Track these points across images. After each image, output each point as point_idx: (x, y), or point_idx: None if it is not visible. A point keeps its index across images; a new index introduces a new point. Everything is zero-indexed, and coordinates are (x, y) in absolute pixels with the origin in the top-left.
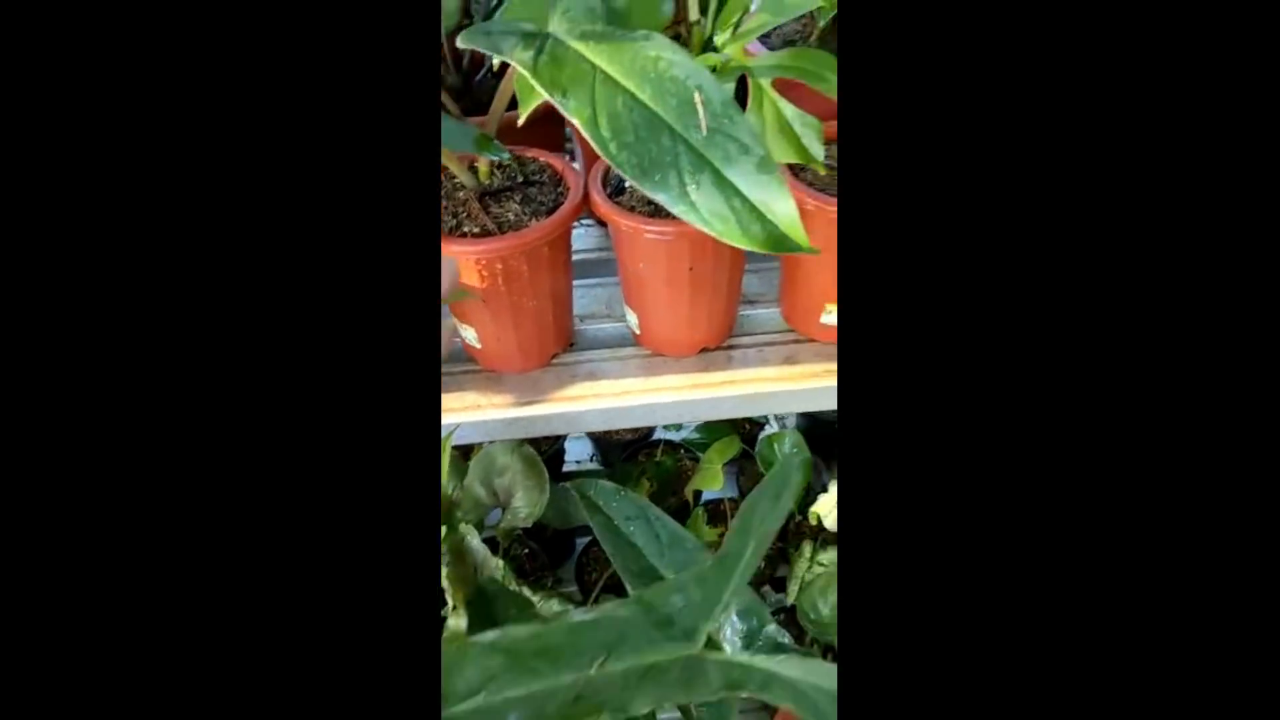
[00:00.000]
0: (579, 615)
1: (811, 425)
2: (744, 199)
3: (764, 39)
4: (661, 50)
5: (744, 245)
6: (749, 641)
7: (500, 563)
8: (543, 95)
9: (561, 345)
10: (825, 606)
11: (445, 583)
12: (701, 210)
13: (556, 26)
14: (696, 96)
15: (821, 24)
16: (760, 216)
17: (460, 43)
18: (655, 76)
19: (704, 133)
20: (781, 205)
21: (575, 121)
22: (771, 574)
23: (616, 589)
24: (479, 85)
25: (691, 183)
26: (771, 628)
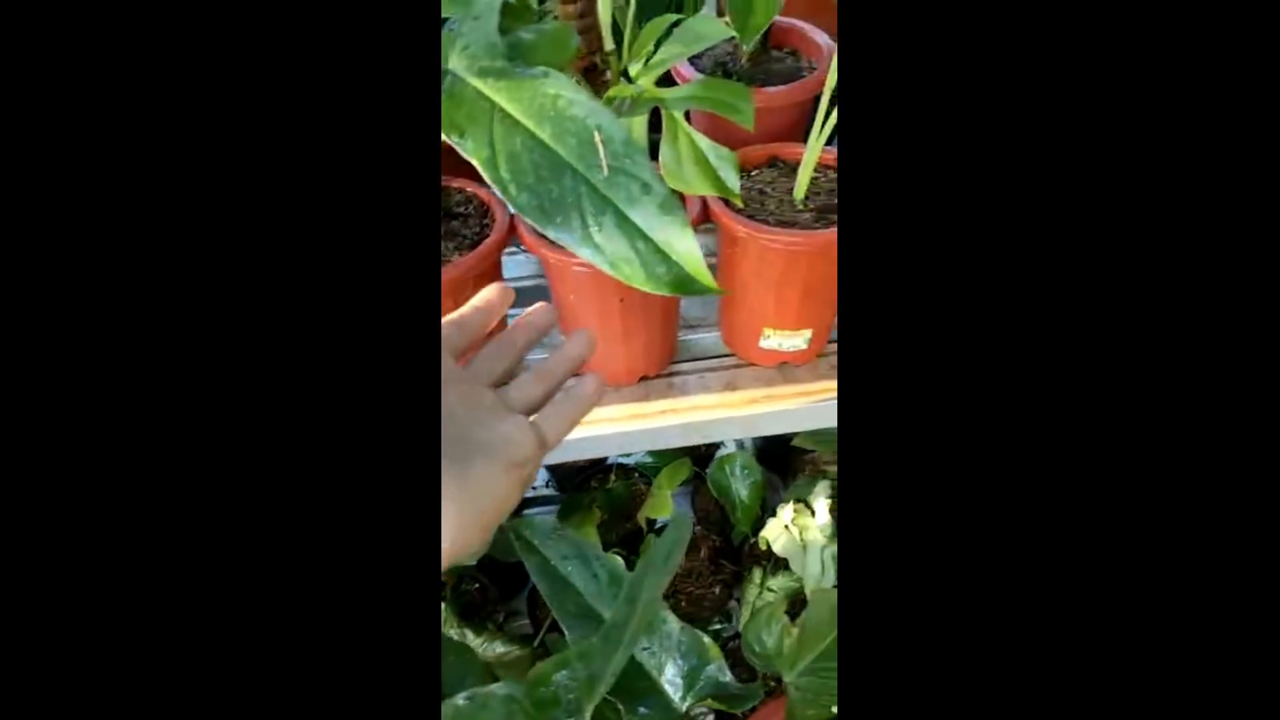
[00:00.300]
0: (461, 699)
1: (767, 443)
2: (648, 240)
3: (695, 61)
4: (560, 88)
5: (649, 288)
6: (690, 683)
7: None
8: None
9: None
10: (770, 637)
11: None
12: (605, 252)
13: (456, 63)
14: (597, 136)
15: (746, 47)
16: (665, 258)
17: None
18: (555, 115)
19: (605, 173)
20: (684, 245)
21: (474, 162)
22: (727, 597)
23: None
24: None
25: (594, 224)
26: (713, 667)
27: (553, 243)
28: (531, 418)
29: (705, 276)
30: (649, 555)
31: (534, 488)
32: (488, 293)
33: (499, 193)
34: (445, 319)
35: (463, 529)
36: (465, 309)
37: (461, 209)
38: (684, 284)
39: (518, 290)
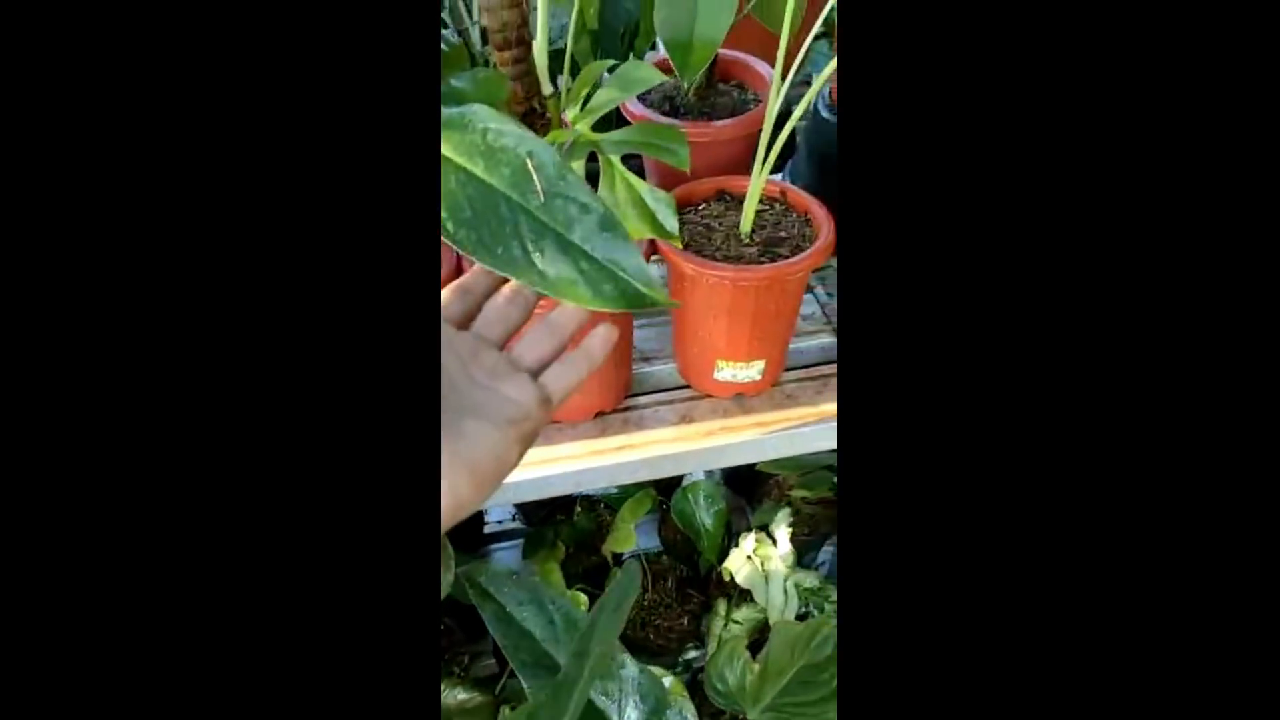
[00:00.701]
0: None
1: (733, 469)
2: (591, 259)
3: (642, 96)
4: (488, 121)
5: (598, 307)
6: None
7: None
8: None
9: None
10: (733, 675)
11: None
12: (549, 277)
13: None
14: (529, 162)
15: (686, 84)
16: (611, 275)
17: None
18: (485, 149)
19: (541, 198)
20: (630, 260)
21: None
22: (696, 627)
23: None
24: None
25: (535, 250)
26: (672, 711)
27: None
28: (540, 377)
29: (657, 291)
30: (600, 606)
31: (498, 522)
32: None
33: (443, 233)
34: (449, 286)
35: (454, 490)
36: (469, 274)
37: None
38: (635, 299)
39: None
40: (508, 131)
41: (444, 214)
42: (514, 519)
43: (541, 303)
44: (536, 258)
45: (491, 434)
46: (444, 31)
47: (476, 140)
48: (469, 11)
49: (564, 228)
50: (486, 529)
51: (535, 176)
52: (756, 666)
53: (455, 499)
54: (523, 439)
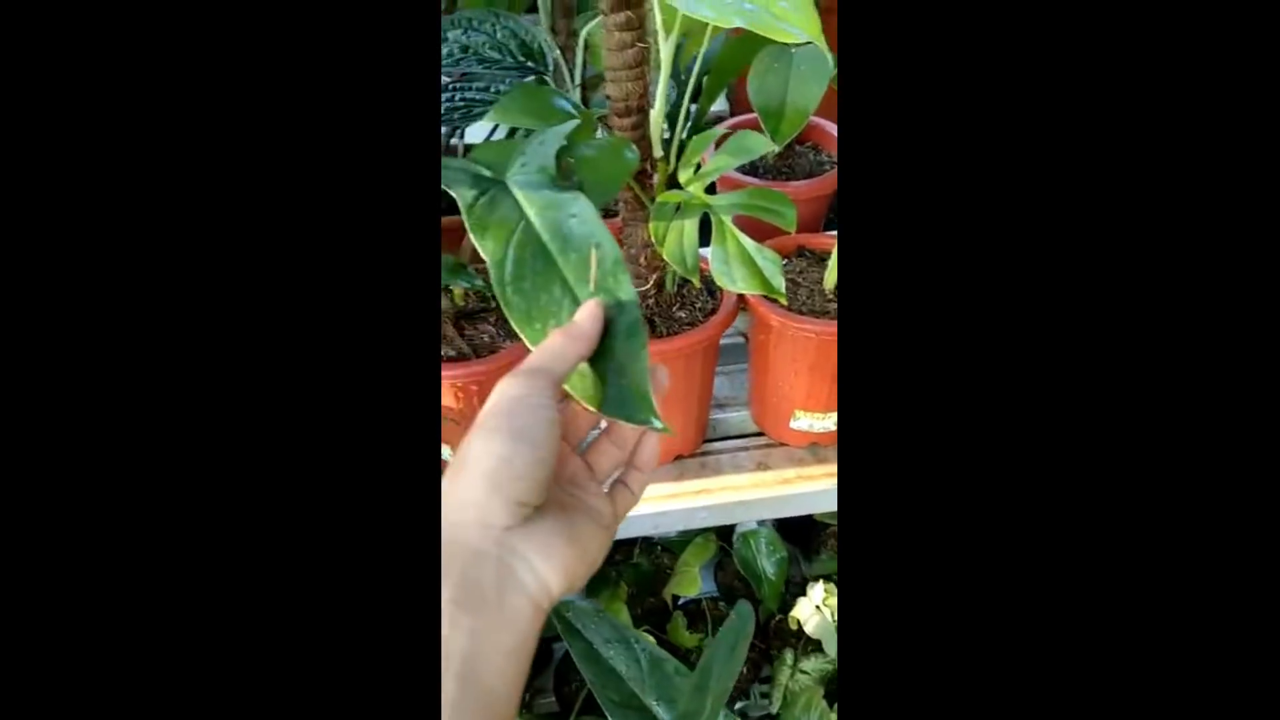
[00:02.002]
0: None
1: (788, 519)
2: (608, 360)
3: None
4: (579, 209)
5: (591, 405)
6: None
7: None
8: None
9: None
10: None
11: None
12: None
13: (511, 176)
14: (592, 252)
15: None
16: (617, 379)
17: None
18: (565, 232)
19: (591, 288)
20: (637, 369)
21: (486, 259)
22: (755, 676)
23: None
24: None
25: None
26: None
27: None
28: (605, 488)
29: (649, 405)
30: (715, 644)
31: None
32: (586, 311)
33: (494, 288)
34: (549, 339)
35: (571, 576)
36: (571, 328)
37: None
38: (625, 406)
39: None
40: (589, 220)
41: (508, 276)
42: None
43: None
44: None
45: (598, 535)
46: (562, 101)
47: (562, 221)
48: (570, 77)
49: None
50: None
51: (594, 266)
52: (834, 716)
53: (570, 584)
54: (606, 549)
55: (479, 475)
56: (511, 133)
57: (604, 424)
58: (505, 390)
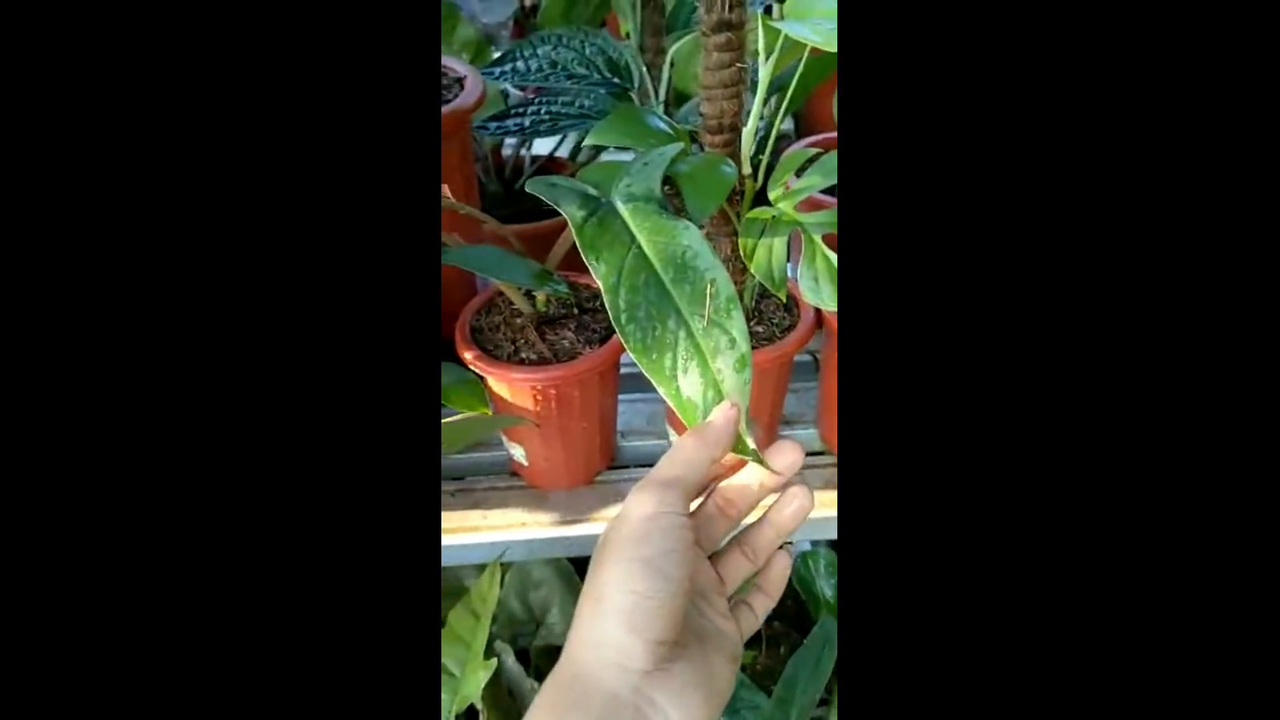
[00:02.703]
0: None
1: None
2: (718, 390)
3: None
4: (692, 240)
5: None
6: None
7: (536, 685)
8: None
9: (605, 463)
10: None
11: (479, 705)
12: (683, 395)
13: (616, 194)
14: (709, 287)
15: None
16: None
17: (527, 186)
18: (680, 263)
19: (705, 323)
20: (744, 402)
21: (599, 284)
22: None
23: None
24: (521, 193)
25: (682, 369)
26: None
27: None
28: (735, 612)
29: (750, 443)
30: (798, 658)
31: None
32: (721, 413)
33: (611, 316)
34: (682, 443)
35: (704, 717)
36: (705, 432)
37: (591, 304)
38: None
39: (624, 377)
40: (703, 254)
41: (623, 304)
42: None
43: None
44: (679, 375)
45: (728, 669)
46: (657, 121)
47: (676, 253)
48: (655, 94)
49: (711, 356)
50: None
51: (709, 300)
52: None
53: None
54: (736, 674)
55: (615, 613)
56: (578, 146)
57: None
58: (637, 508)
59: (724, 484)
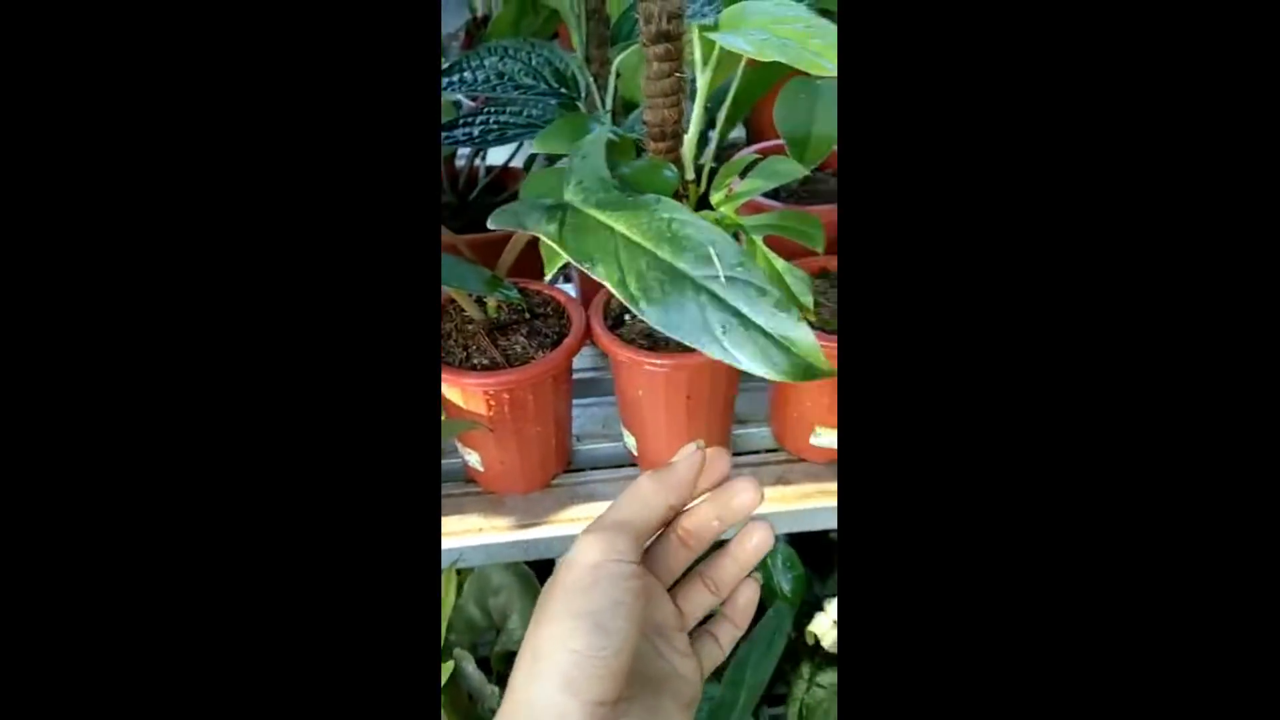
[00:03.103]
0: None
1: (802, 537)
2: (769, 336)
3: None
4: (673, 213)
5: (774, 377)
6: None
7: (497, 690)
8: (565, 258)
9: (561, 466)
10: None
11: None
12: (732, 351)
13: (571, 196)
14: (711, 251)
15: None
16: (785, 350)
17: (491, 223)
18: (671, 236)
19: (724, 281)
20: (802, 337)
21: (606, 284)
22: (768, 691)
23: None
24: (474, 204)
25: (719, 328)
26: None
27: (626, 341)
28: (695, 645)
29: (823, 362)
30: (751, 641)
31: None
32: (686, 458)
33: (630, 306)
34: (638, 485)
35: None
36: (630, 512)
37: (542, 309)
38: (807, 371)
39: (580, 382)
40: (691, 222)
41: (636, 292)
42: None
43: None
44: (719, 333)
45: (681, 717)
46: (598, 126)
47: (663, 229)
48: (601, 104)
49: (745, 307)
50: None
51: (717, 263)
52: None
53: None
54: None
55: (553, 673)
56: (532, 156)
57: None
58: (584, 554)
59: (684, 516)
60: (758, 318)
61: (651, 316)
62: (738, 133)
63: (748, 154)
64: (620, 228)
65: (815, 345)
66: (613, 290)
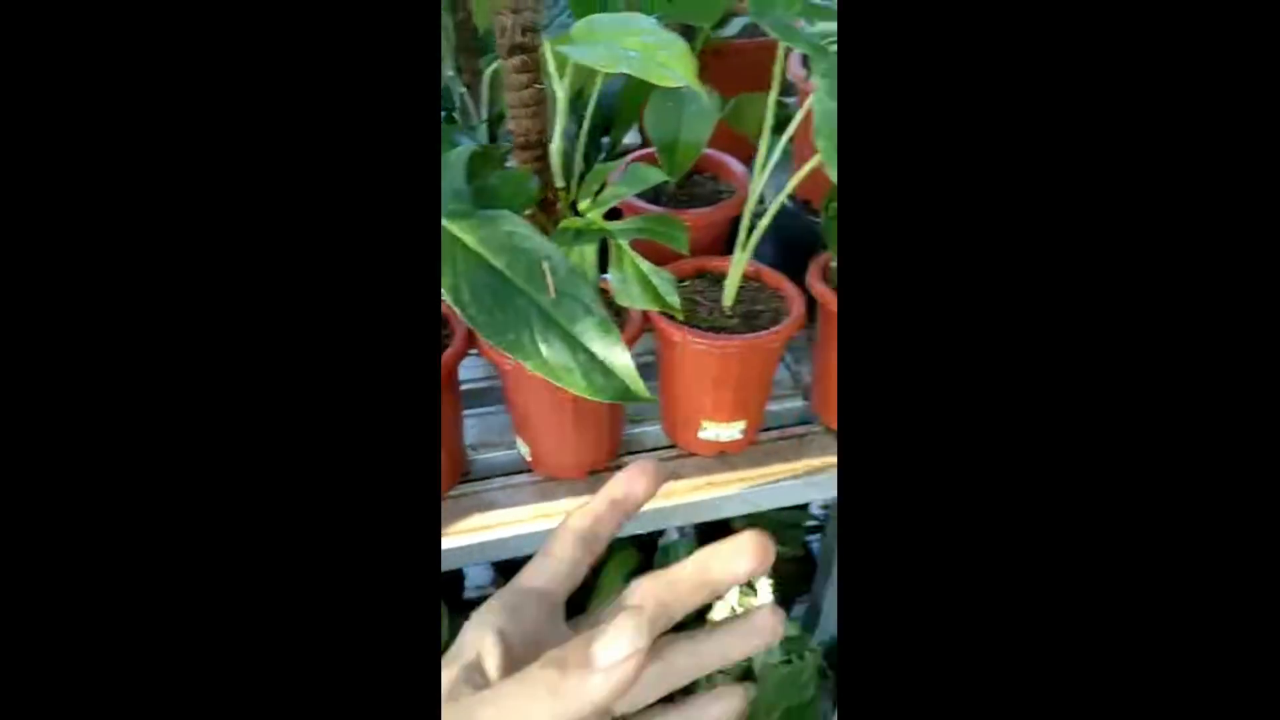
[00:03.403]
0: None
1: (708, 529)
2: (589, 354)
3: None
4: (515, 226)
5: (590, 396)
6: None
7: None
8: None
9: (456, 477)
10: None
11: None
12: (552, 365)
13: None
14: (545, 265)
15: (673, 180)
16: (605, 370)
17: None
18: (510, 248)
19: (553, 296)
20: (621, 359)
21: (445, 294)
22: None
23: None
24: None
25: (542, 340)
26: None
27: None
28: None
29: (640, 387)
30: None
31: (479, 587)
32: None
33: (460, 313)
34: (552, 547)
35: None
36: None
37: None
38: (622, 393)
39: (472, 392)
40: (530, 237)
41: (466, 298)
42: (494, 584)
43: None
44: (543, 346)
45: None
46: (464, 139)
47: (504, 241)
48: (476, 113)
49: (569, 324)
50: (466, 594)
51: (549, 277)
52: (747, 709)
53: None
54: None
55: None
56: None
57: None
58: (477, 634)
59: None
60: (581, 336)
61: (479, 325)
62: (633, 137)
63: (612, 163)
64: (465, 237)
65: (632, 369)
66: (446, 297)
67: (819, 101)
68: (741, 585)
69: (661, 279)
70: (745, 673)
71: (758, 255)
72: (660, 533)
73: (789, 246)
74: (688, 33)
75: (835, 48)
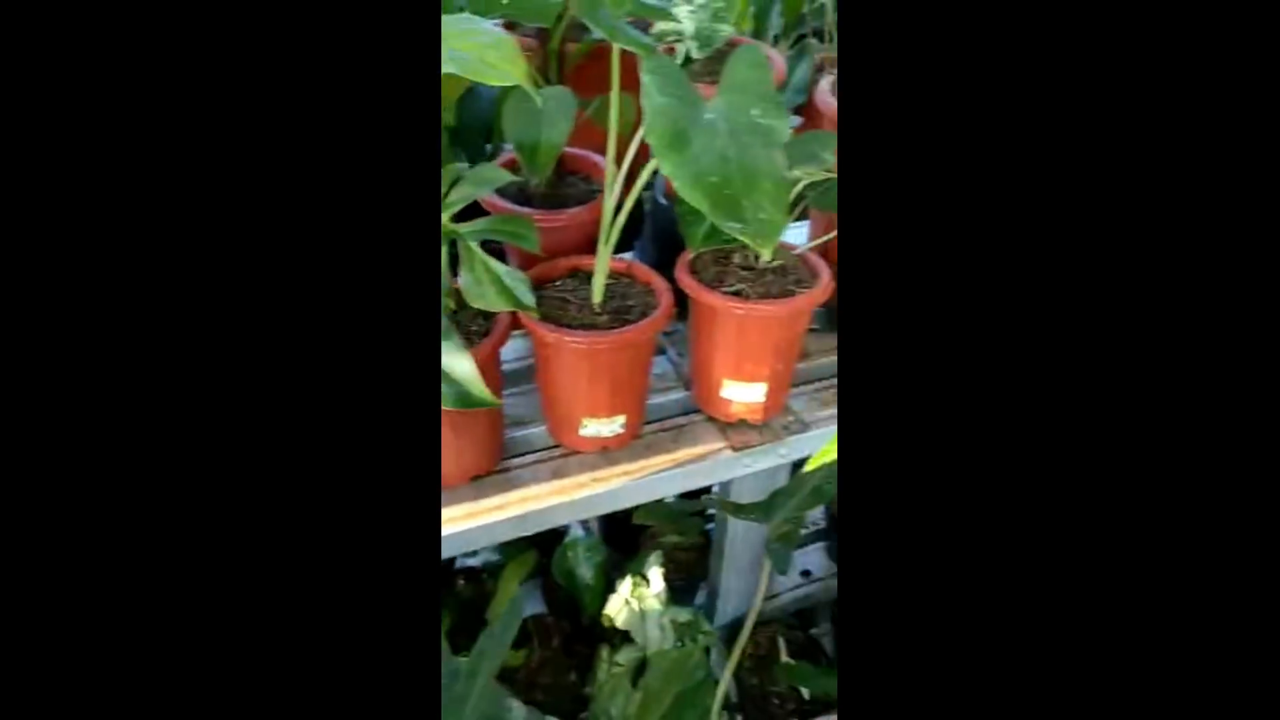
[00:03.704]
0: None
1: (611, 527)
2: None
3: (499, 190)
4: None
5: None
6: None
7: None
8: None
9: None
10: (616, 708)
11: None
12: None
13: None
14: None
15: (537, 180)
16: (446, 378)
17: None
18: None
19: None
20: (462, 367)
21: None
22: (583, 683)
23: None
24: None
25: None
26: None
27: None
28: None
29: (482, 391)
30: (488, 633)
31: None
32: None
33: None
34: None
35: None
36: None
37: None
38: (464, 399)
39: None
40: None
41: None
42: None
43: None
44: None
45: None
46: None
47: None
48: None
49: None
50: None
51: None
52: (638, 695)
53: None
54: None
55: None
56: None
57: None
58: None
59: None
60: None
61: None
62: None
63: (456, 165)
64: None
65: (474, 375)
66: None
67: (648, 98)
68: (634, 576)
69: (515, 279)
70: (641, 664)
71: (641, 252)
72: (563, 532)
73: (671, 244)
74: (543, 35)
75: (663, 47)
